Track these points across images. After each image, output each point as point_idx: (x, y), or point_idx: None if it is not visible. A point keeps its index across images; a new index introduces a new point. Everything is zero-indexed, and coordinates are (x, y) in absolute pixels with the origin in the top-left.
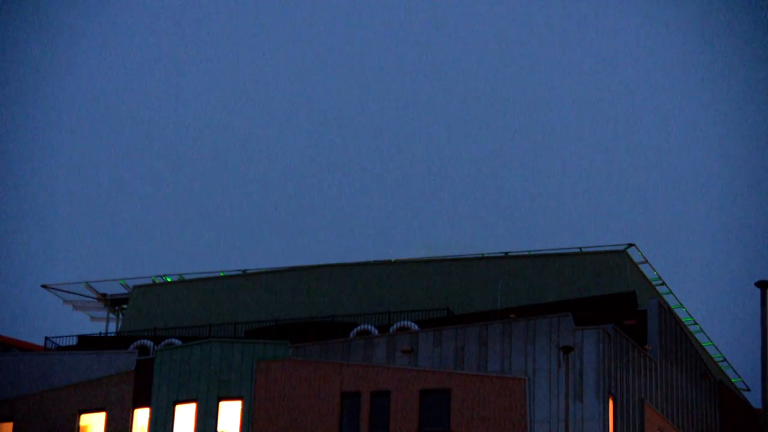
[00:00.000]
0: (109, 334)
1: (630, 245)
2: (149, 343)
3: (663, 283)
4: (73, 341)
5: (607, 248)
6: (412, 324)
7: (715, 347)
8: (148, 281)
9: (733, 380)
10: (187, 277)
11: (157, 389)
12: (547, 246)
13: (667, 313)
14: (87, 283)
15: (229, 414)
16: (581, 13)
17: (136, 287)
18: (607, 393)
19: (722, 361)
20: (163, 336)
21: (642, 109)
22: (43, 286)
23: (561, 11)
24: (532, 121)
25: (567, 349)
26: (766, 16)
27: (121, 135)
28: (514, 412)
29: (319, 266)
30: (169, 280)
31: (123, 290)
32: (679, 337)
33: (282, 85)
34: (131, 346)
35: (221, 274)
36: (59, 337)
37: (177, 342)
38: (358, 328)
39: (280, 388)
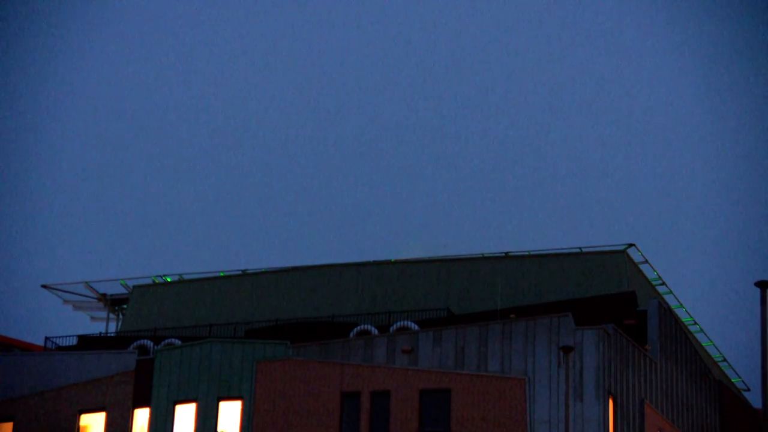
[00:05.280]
0: (109, 334)
1: (630, 245)
2: (149, 343)
3: (663, 283)
4: (73, 341)
5: (607, 248)
6: (412, 324)
7: (715, 347)
8: (148, 281)
9: (733, 380)
10: (187, 277)
11: (157, 389)
12: (547, 246)
13: (667, 313)
14: (87, 283)
15: (229, 414)
16: (582, 13)
17: (136, 287)
18: (607, 393)
19: (722, 361)
20: (163, 336)
21: (642, 109)
22: (43, 286)
23: (562, 11)
24: (532, 121)
25: (567, 349)
26: (766, 16)
27: (122, 135)
28: (514, 412)
29: (319, 266)
30: (169, 280)
31: (123, 290)
32: (679, 337)
33: (282, 85)
34: (131, 346)
35: (221, 274)
36: (59, 337)
37: (177, 342)
38: (358, 328)
39: (280, 388)
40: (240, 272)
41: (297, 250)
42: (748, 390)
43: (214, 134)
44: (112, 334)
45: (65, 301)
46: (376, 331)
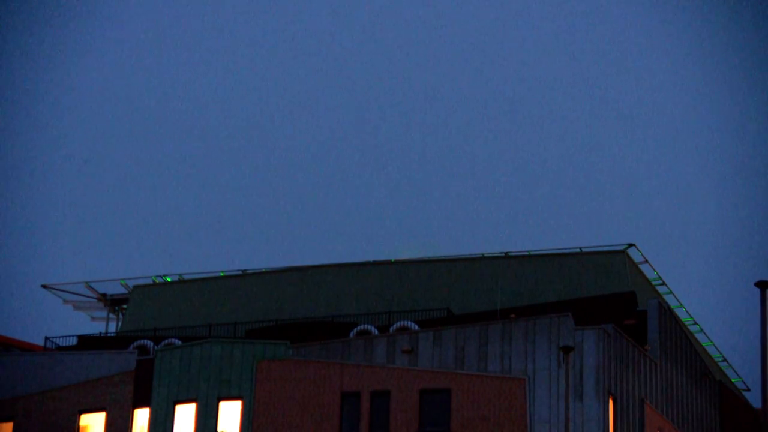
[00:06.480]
0: (109, 334)
1: (630, 245)
2: (149, 343)
3: (663, 283)
4: (73, 341)
5: (607, 248)
6: (412, 324)
7: (715, 347)
8: (148, 281)
9: (733, 380)
10: (187, 277)
11: (157, 389)
12: (547, 246)
13: (667, 313)
14: (87, 283)
15: (229, 414)
16: (581, 12)
17: (136, 287)
18: (607, 393)
19: (722, 361)
20: (163, 336)
21: (641, 109)
22: (43, 286)
23: (561, 11)
24: (532, 121)
25: (567, 349)
26: (766, 16)
27: (121, 135)
28: (514, 412)
29: (319, 266)
30: (169, 280)
31: (123, 290)
32: (679, 337)
33: (282, 85)
34: (131, 346)
35: (221, 274)
36: (59, 337)
37: (177, 342)
38: (358, 328)
39: (280, 388)
40: (240, 272)
41: (297, 250)
42: (748, 390)
43: (214, 134)
44: (112, 334)
45: (65, 301)
46: (376, 331)
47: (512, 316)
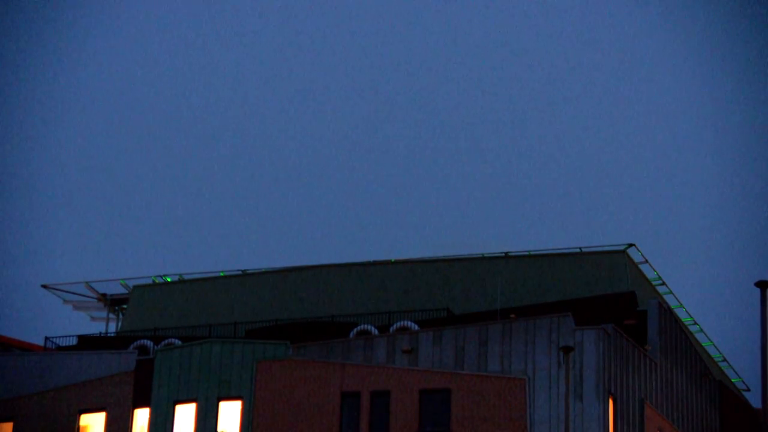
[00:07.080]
0: (109, 334)
1: (630, 245)
2: (149, 343)
3: (663, 283)
4: (73, 341)
5: (607, 248)
6: (412, 324)
7: (715, 347)
8: (148, 281)
9: (733, 380)
10: (187, 277)
11: (157, 389)
12: (547, 246)
13: (667, 313)
14: (87, 283)
15: (229, 414)
16: (582, 12)
17: (136, 287)
18: (607, 393)
19: (722, 361)
20: (163, 336)
21: (642, 109)
22: (43, 286)
23: (561, 10)
24: (532, 120)
25: (567, 349)
26: (766, 16)
27: (121, 135)
28: (514, 412)
29: (319, 266)
30: (169, 280)
31: (123, 290)
32: (679, 337)
33: (281, 84)
34: (131, 346)
35: (221, 274)
36: (59, 337)
37: (177, 342)
38: (358, 328)
39: (280, 388)
40: (240, 272)
41: (297, 250)
42: (748, 390)
43: (214, 134)
44: (112, 334)
45: (65, 301)
46: (376, 331)
47: (512, 316)
